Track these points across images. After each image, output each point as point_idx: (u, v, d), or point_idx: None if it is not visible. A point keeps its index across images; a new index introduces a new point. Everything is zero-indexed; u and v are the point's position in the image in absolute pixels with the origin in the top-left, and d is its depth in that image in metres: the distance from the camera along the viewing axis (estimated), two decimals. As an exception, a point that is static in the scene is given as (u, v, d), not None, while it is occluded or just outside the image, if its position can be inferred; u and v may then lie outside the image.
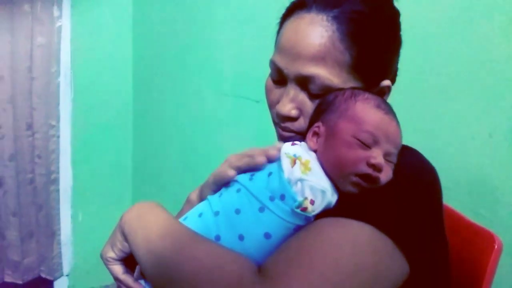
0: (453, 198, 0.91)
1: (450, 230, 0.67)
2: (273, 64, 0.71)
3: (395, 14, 0.71)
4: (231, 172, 0.62)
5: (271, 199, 0.57)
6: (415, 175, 0.63)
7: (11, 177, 1.96)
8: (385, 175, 0.59)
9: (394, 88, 0.83)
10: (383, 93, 0.71)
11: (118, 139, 2.15)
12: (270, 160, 0.61)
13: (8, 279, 2.03)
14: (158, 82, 1.95)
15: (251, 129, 1.40)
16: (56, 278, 2.14)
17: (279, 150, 0.61)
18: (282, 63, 0.68)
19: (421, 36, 0.98)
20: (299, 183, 0.56)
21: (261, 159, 0.60)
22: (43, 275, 2.12)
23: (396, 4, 0.75)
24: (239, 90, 1.48)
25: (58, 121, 2.03)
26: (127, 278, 0.64)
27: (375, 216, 0.56)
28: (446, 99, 0.95)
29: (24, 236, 2.03)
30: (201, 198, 0.70)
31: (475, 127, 0.91)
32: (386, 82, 0.70)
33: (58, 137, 2.05)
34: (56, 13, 1.93)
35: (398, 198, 0.59)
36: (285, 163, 0.59)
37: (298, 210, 0.55)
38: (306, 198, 0.56)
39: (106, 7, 2.01)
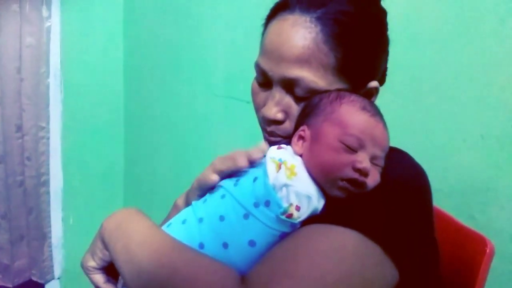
0: (445, 200, 0.90)
1: (441, 234, 0.66)
2: (257, 67, 0.69)
3: (382, 13, 0.70)
4: (214, 177, 0.61)
5: (256, 205, 0.56)
6: (403, 178, 0.62)
7: (0, 179, 1.93)
8: (372, 180, 0.57)
9: (385, 89, 0.82)
10: (370, 94, 0.70)
11: (110, 140, 2.13)
12: (253, 163, 0.60)
13: (-2, 282, 2.00)
14: (150, 82, 1.93)
15: (242, 130, 1.39)
16: (47, 282, 2.11)
17: (262, 152, 0.60)
18: (266, 65, 0.67)
19: (413, 37, 0.97)
20: (284, 189, 0.55)
21: (243, 163, 0.59)
22: (34, 279, 2.09)
23: (384, 3, 0.74)
24: (231, 91, 1.47)
25: (48, 122, 2.00)
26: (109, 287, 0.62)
27: (362, 222, 0.55)
28: (438, 100, 0.94)
29: (14, 239, 2.00)
30: (187, 203, 0.69)
31: (467, 128, 0.90)
32: (374, 84, 0.69)
33: (48, 138, 2.02)
34: (45, 13, 1.90)
35: (386, 202, 0.58)
36: (270, 168, 0.57)
37: (283, 217, 0.54)
38: (291, 204, 0.54)
39: (97, 7, 1.99)
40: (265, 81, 0.69)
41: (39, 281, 2.09)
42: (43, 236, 2.08)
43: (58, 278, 2.15)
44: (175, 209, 0.72)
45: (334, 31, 0.63)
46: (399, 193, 0.59)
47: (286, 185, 0.55)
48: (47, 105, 1.99)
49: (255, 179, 0.59)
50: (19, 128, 1.95)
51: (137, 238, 0.57)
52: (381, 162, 0.59)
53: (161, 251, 0.54)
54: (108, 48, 2.04)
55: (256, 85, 0.72)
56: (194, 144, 1.70)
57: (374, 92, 0.70)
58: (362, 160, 0.56)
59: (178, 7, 1.70)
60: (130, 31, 2.02)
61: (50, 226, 2.09)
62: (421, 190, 0.62)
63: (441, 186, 0.91)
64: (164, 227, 0.63)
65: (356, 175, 0.56)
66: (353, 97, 0.61)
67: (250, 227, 0.55)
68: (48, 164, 2.04)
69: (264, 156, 0.61)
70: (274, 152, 0.60)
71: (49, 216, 2.09)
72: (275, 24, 0.67)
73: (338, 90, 0.63)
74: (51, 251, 2.11)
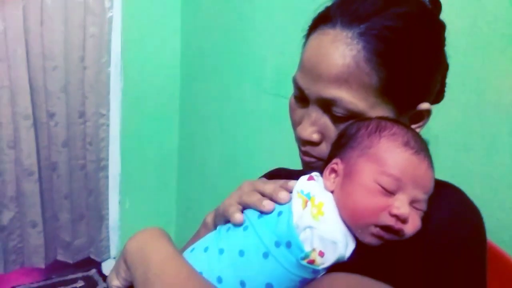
0: (504, 232, 0.80)
1: (498, 279, 0.58)
2: (295, 83, 0.64)
3: (439, 27, 0.61)
4: (238, 217, 0.57)
5: (277, 245, 0.52)
6: (451, 222, 0.54)
7: (64, 162, 2.04)
8: (412, 226, 0.50)
9: (444, 105, 0.73)
10: (421, 117, 0.62)
11: (165, 129, 2.17)
12: (280, 203, 0.56)
13: (60, 257, 2.15)
14: (204, 75, 1.93)
15: (289, 129, 1.34)
16: (103, 260, 2.23)
17: (291, 192, 0.55)
18: (303, 83, 0.62)
19: (478, 46, 0.86)
20: (308, 230, 0.50)
21: (268, 206, 0.55)
22: (92, 256, 2.22)
23: (449, 12, 0.65)
24: (279, 89, 1.42)
25: (108, 110, 2.08)
26: (131, 307, 0.62)
27: (397, 275, 0.49)
28: (504, 117, 0.82)
29: (75, 219, 2.13)
30: (215, 224, 0.67)
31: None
32: (425, 106, 0.61)
33: (108, 125, 2.10)
34: (107, 3, 1.95)
35: (428, 252, 0.51)
36: (296, 204, 0.53)
37: (304, 262, 0.49)
38: (314, 249, 0.49)
39: (156, -2, 2.01)
40: (302, 98, 0.64)
41: (97, 259, 2.22)
42: (101, 217, 2.20)
43: (114, 258, 2.26)
44: (204, 227, 0.70)
45: (378, 48, 0.56)
46: (444, 241, 0.52)
47: (310, 227, 0.50)
48: (108, 93, 2.06)
49: (279, 214, 0.54)
50: (81, 114, 2.04)
51: (155, 267, 0.55)
52: (423, 206, 0.52)
53: (178, 285, 0.52)
54: (167, 39, 2.06)
55: (293, 100, 0.67)
56: (243, 138, 1.69)
57: (425, 115, 0.63)
58: (400, 205, 0.49)
59: (233, 3, 1.67)
60: (188, 22, 2.03)
61: (107, 209, 2.20)
62: (472, 236, 0.54)
63: (501, 216, 0.81)
64: (187, 252, 0.61)
65: (392, 222, 0.49)
66: (395, 129, 0.54)
67: (268, 269, 0.51)
68: (107, 150, 2.13)
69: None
70: (303, 185, 0.55)
71: (107, 199, 2.19)
72: (314, 38, 0.61)
73: (380, 118, 0.56)
74: (108, 232, 2.22)
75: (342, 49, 0.57)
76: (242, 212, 0.60)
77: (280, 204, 0.55)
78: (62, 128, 2.00)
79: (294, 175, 0.69)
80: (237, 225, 0.57)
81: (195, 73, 2.00)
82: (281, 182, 0.59)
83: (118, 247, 2.25)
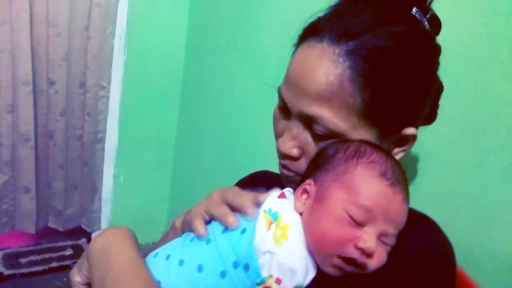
0: (488, 262, 0.78)
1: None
2: (279, 94, 0.62)
3: (433, 51, 0.57)
4: (201, 230, 0.56)
5: (235, 265, 0.50)
6: (422, 257, 0.52)
7: (61, 131, 2.03)
8: (376, 261, 0.48)
9: (438, 123, 0.70)
10: (406, 141, 0.60)
11: (165, 107, 2.14)
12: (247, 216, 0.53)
13: (51, 224, 2.16)
14: (208, 56, 1.89)
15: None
16: (94, 231, 2.24)
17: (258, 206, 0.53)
18: (286, 95, 0.59)
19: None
20: (267, 255, 0.48)
21: (233, 223, 0.53)
22: (83, 226, 2.23)
23: (451, 25, 0.61)
24: (279, 82, 1.38)
25: (109, 83, 2.05)
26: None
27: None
28: (503, 142, 0.78)
29: (68, 188, 2.13)
30: (182, 229, 0.65)
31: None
32: (410, 130, 0.58)
33: (108, 98, 2.07)
34: (115, -27, 1.90)
35: (395, 285, 0.49)
36: (260, 224, 0.51)
37: (260, 288, 0.47)
38: (271, 276, 0.47)
39: (166, -29, 1.95)
40: (285, 110, 0.62)
41: (87, 229, 2.24)
42: (94, 189, 2.20)
43: (104, 229, 2.27)
44: (173, 231, 0.69)
45: (364, 69, 0.53)
46: (412, 276, 0.50)
47: (270, 252, 0.48)
48: (110, 66, 2.02)
49: (243, 231, 0.52)
50: (82, 84, 2.02)
51: (113, 273, 0.54)
52: (392, 241, 0.49)
53: None
54: (173, 16, 2.01)
55: (277, 111, 0.65)
56: (241, 126, 1.66)
57: (410, 139, 0.60)
58: (367, 238, 0.47)
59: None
60: (196, 3, 1.97)
61: (101, 181, 2.20)
62: (440, 276, 0.52)
63: (484, 244, 0.79)
64: (150, 256, 0.60)
65: (356, 255, 0.47)
66: (374, 156, 0.51)
67: (224, 289, 0.50)
68: (105, 123, 2.11)
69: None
70: (272, 203, 0.53)
71: (101, 171, 2.18)
72: (301, 51, 0.59)
73: (360, 141, 0.53)
74: (100, 203, 2.23)
75: (327, 66, 0.54)
76: (210, 222, 0.58)
77: (247, 219, 0.53)
78: (62, 97, 1.98)
79: (276, 180, 0.66)
80: (201, 237, 0.55)
81: (200, 52, 1.97)
82: (251, 196, 0.57)
83: (109, 219, 2.26)
